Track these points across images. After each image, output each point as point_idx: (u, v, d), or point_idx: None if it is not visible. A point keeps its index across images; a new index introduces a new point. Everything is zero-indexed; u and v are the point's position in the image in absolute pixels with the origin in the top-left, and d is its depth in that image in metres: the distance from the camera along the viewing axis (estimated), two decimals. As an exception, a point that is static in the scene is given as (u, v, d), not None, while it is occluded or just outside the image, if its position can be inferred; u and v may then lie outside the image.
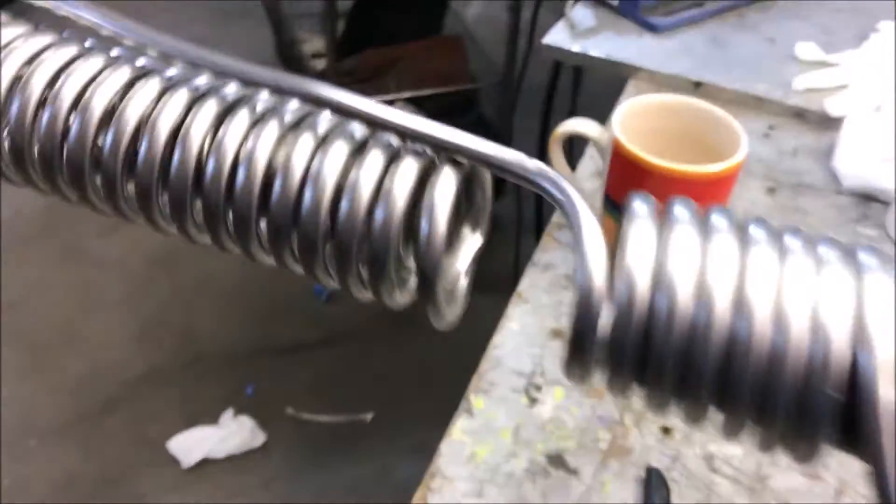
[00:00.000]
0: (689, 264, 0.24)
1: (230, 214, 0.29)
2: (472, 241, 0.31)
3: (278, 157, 0.29)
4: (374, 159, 0.28)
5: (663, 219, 0.25)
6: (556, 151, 0.76)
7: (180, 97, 0.29)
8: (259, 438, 1.62)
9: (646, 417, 0.65)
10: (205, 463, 1.57)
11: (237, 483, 1.56)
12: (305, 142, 0.29)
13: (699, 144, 0.73)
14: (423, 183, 0.28)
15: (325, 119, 0.29)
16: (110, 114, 0.30)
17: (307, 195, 0.28)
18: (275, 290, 1.87)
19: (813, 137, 0.94)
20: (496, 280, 1.12)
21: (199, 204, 0.30)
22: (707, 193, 0.70)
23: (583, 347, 0.25)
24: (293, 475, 1.59)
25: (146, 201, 0.30)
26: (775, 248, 0.24)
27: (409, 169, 0.28)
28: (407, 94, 1.83)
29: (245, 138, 0.29)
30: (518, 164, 0.26)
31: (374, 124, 0.28)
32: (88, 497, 1.53)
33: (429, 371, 1.71)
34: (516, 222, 1.66)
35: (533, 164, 0.26)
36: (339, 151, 0.28)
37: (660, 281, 0.24)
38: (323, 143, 0.29)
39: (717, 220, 0.25)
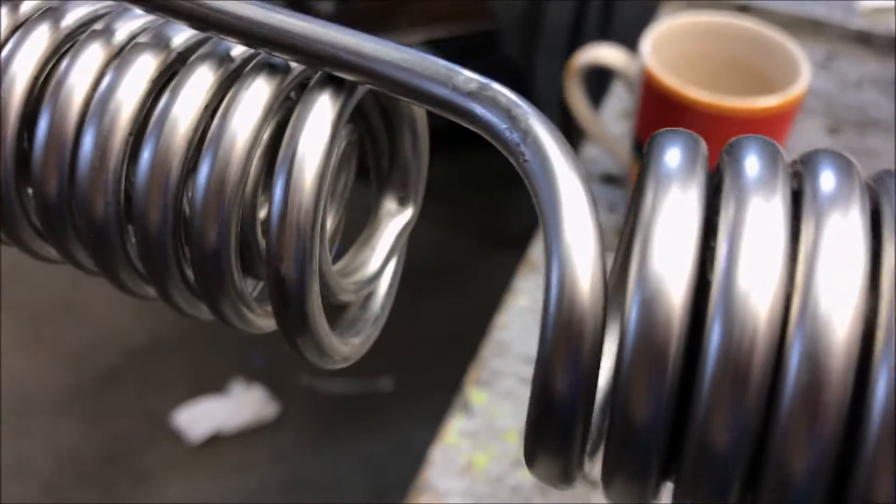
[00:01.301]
0: (774, 272, 0.12)
1: None
2: (397, 219, 0.19)
3: (47, 84, 0.17)
4: (199, 80, 0.16)
5: (721, 179, 0.13)
6: (573, 87, 0.63)
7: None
8: (271, 410, 1.53)
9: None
10: (213, 437, 1.48)
11: (247, 458, 1.47)
12: (89, 57, 0.16)
13: (747, 74, 0.60)
14: (285, 121, 0.16)
15: (126, 23, 0.17)
16: None
17: (85, 144, 0.16)
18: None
19: (880, 65, 0.80)
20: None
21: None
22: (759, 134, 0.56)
23: (556, 426, 0.13)
24: (307, 448, 1.50)
25: None
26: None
27: (256, 93, 0.15)
28: (421, 36, 1.69)
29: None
30: (441, 75, 0.14)
31: (208, 25, 0.16)
32: (91, 474, 1.45)
33: (449, 339, 1.60)
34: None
35: (467, 77, 0.14)
36: (140, 70, 0.16)
37: (718, 303, 0.12)
38: (116, 58, 0.16)
39: (828, 180, 0.12)
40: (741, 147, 0.13)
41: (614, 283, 0.15)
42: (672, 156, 0.13)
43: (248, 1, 0.15)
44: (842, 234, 0.12)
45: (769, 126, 0.56)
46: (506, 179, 1.26)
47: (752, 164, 0.13)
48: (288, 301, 0.15)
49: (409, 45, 0.14)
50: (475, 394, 0.54)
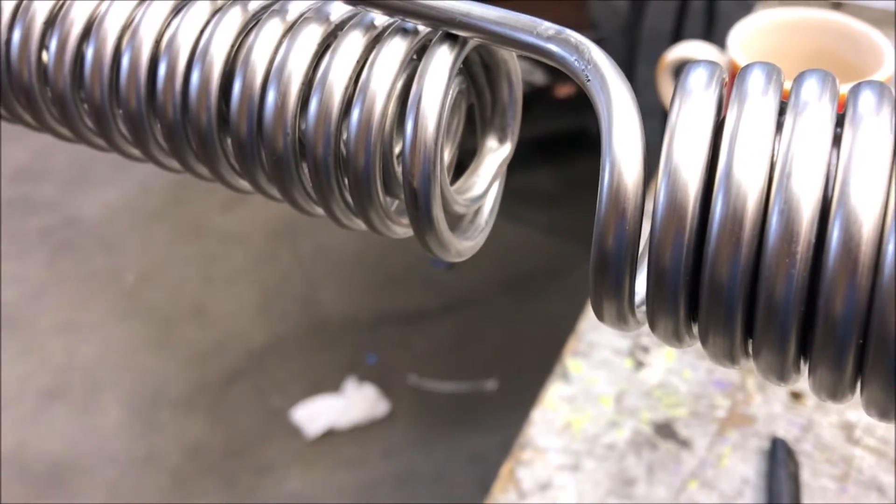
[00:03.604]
0: (761, 156, 0.16)
1: (189, 128, 0.24)
2: (497, 154, 0.24)
3: (239, 52, 0.23)
4: (350, 45, 0.21)
5: (732, 94, 0.17)
6: (664, 82, 0.67)
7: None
8: (382, 407, 1.60)
9: (772, 381, 0.56)
10: (328, 433, 1.56)
11: (360, 453, 1.54)
12: (270, 31, 0.22)
13: (834, 65, 0.63)
14: (414, 73, 0.21)
15: (297, 4, 0.23)
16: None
17: (269, 98, 0.22)
18: (393, 259, 1.84)
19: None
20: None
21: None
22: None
23: (610, 274, 0.18)
24: (416, 445, 1.56)
25: (100, 117, 0.25)
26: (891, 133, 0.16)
27: (392, 53, 0.21)
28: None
29: (201, 32, 0.23)
30: (528, 26, 0.19)
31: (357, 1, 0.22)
32: (216, 466, 1.55)
33: (550, 341, 1.64)
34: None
35: (547, 26, 0.19)
36: (307, 39, 0.22)
37: (719, 179, 0.16)
38: (290, 31, 0.22)
39: (810, 90, 0.17)
40: (746, 70, 0.18)
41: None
42: (699, 75, 0.18)
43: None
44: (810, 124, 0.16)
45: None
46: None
47: (754, 78, 0.17)
48: (419, 206, 0.20)
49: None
50: (572, 363, 0.58)
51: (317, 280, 1.84)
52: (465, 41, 0.20)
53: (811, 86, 0.17)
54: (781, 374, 0.17)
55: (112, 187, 2.10)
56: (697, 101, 0.17)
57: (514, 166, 0.24)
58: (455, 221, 0.23)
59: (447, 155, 0.23)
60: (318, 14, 0.22)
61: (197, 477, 1.55)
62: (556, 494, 0.52)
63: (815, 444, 0.52)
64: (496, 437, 1.54)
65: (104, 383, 1.69)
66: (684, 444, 0.53)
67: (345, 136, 0.21)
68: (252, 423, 1.60)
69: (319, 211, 0.23)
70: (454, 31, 0.20)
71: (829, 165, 0.16)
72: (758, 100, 0.17)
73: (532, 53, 0.19)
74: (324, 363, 1.67)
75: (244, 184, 0.24)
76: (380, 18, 0.21)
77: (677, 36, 1.42)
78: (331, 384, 1.61)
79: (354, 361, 1.66)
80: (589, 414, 0.56)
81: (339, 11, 0.22)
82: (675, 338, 0.18)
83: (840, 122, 0.17)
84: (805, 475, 0.51)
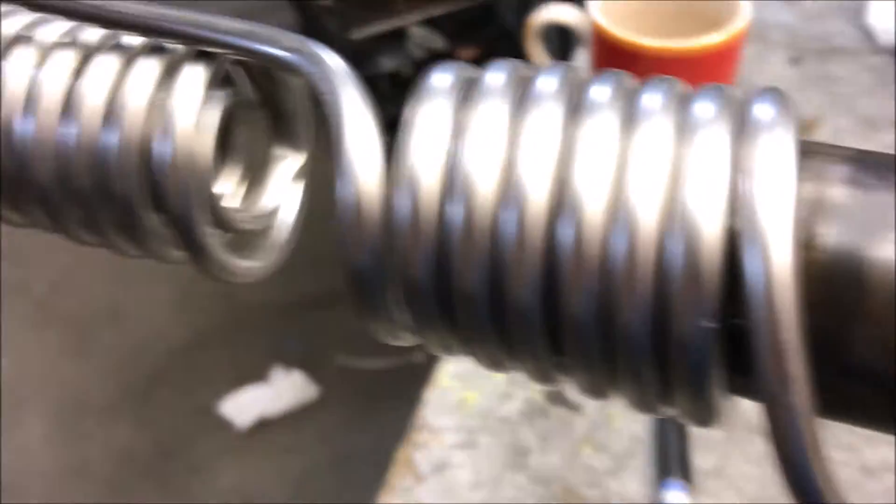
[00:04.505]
0: (493, 155, 0.16)
1: None
2: (289, 163, 0.23)
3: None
4: (99, 67, 0.20)
5: (467, 93, 0.17)
6: (533, 45, 0.66)
7: None
8: (312, 391, 1.59)
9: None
10: (260, 423, 1.55)
11: (294, 440, 1.54)
12: (24, 58, 0.21)
13: (695, 18, 0.63)
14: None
15: (54, 29, 0.22)
16: None
17: (27, 127, 0.21)
18: (307, 242, 1.82)
19: (843, -6, 0.82)
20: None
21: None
22: (707, 72, 0.60)
23: (365, 291, 0.17)
24: (350, 426, 1.56)
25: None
26: (619, 116, 0.16)
27: (145, 72, 0.20)
28: (420, 15, 1.72)
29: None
30: (271, 39, 0.18)
31: (107, 23, 0.21)
32: (149, 469, 1.53)
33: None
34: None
35: (292, 38, 0.18)
36: (61, 64, 0.21)
37: (452, 183, 0.16)
38: (46, 55, 0.21)
39: (545, 83, 0.17)
40: (487, 68, 0.17)
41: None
42: (438, 78, 0.17)
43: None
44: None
45: (715, 62, 0.60)
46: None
47: (491, 77, 0.17)
48: (183, 233, 0.20)
49: (409, 25, 0.18)
50: (463, 339, 0.58)
51: (233, 270, 1.81)
52: (215, 56, 0.19)
53: (545, 80, 0.16)
54: (539, 378, 0.17)
55: (13, 195, 2.03)
56: (433, 103, 0.17)
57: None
58: (248, 240, 0.23)
59: (236, 172, 0.23)
60: (73, 39, 0.21)
61: (130, 483, 1.52)
62: (453, 474, 0.52)
63: (699, 396, 0.53)
64: (428, 409, 1.55)
65: (24, 397, 1.65)
66: (575, 408, 0.54)
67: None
68: (181, 422, 1.57)
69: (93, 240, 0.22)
70: (204, 48, 0.19)
71: (560, 157, 0.16)
72: (491, 98, 0.16)
73: (276, 66, 0.18)
74: (248, 354, 1.65)
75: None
76: (137, 40, 0.20)
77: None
78: (257, 374, 1.60)
79: (279, 349, 1.64)
80: (481, 389, 0.56)
81: (94, 35, 0.21)
82: (446, 350, 0.18)
83: (576, 111, 0.16)
84: (693, 429, 0.52)
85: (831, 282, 0.13)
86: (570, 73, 0.17)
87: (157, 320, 1.74)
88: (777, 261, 0.12)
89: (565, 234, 0.15)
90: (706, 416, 0.15)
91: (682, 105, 0.15)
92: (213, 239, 0.20)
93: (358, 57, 1.73)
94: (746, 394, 0.15)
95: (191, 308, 1.74)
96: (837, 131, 0.68)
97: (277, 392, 1.58)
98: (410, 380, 1.58)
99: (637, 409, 0.17)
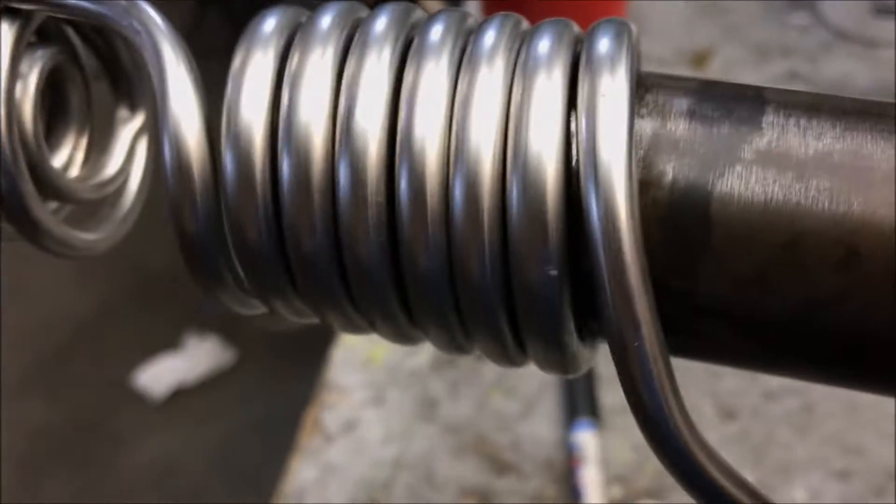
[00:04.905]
0: (320, 105, 0.15)
1: None
2: (129, 125, 0.22)
3: None
4: None
5: (298, 39, 0.16)
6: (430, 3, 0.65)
7: None
8: (229, 356, 1.56)
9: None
10: (177, 392, 1.52)
11: (214, 406, 1.51)
12: None
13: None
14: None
15: None
16: None
17: None
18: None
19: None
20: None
21: None
22: (597, 9, 0.59)
23: (200, 258, 0.16)
24: (271, 387, 1.54)
25: None
26: (454, 58, 0.15)
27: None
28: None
29: None
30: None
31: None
32: (66, 448, 1.49)
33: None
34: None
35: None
36: None
37: (281, 136, 0.15)
38: None
39: (378, 25, 0.15)
40: (316, 12, 0.16)
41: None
42: (264, 23, 0.16)
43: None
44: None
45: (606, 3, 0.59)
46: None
47: (319, 20, 0.16)
48: (10, 208, 0.18)
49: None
50: (367, 294, 0.57)
51: (138, 237, 1.75)
52: (29, 13, 0.18)
53: (378, 22, 0.15)
54: (397, 338, 0.16)
55: None
56: (259, 52, 0.15)
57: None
58: (94, 210, 0.21)
59: (73, 138, 0.21)
60: None
61: (47, 462, 1.48)
62: (362, 431, 0.51)
63: (604, 335, 0.53)
64: (349, 364, 1.54)
65: (-73, 382, 1.58)
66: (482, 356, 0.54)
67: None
68: (95, 396, 1.53)
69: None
70: (10, 4, 0.17)
71: (393, 103, 0.15)
72: (318, 43, 0.15)
73: (90, 19, 0.17)
74: (160, 321, 1.61)
75: None
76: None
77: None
78: (171, 342, 1.56)
79: (192, 315, 1.61)
80: (389, 345, 0.55)
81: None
82: (298, 315, 0.17)
83: (413, 54, 0.15)
84: (600, 367, 0.52)
85: (677, 219, 0.13)
86: (411, 13, 0.16)
87: (63, 295, 1.68)
88: (615, 200, 0.11)
89: (403, 183, 0.14)
90: (565, 364, 0.14)
91: (521, 44, 0.15)
92: (47, 213, 0.18)
93: None
94: (603, 337, 0.15)
95: (97, 280, 1.68)
96: (729, 62, 0.69)
97: (193, 359, 1.55)
98: (328, 337, 1.57)
99: (500, 364, 0.16)
